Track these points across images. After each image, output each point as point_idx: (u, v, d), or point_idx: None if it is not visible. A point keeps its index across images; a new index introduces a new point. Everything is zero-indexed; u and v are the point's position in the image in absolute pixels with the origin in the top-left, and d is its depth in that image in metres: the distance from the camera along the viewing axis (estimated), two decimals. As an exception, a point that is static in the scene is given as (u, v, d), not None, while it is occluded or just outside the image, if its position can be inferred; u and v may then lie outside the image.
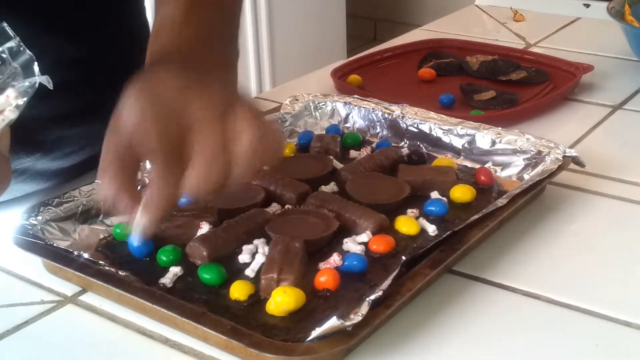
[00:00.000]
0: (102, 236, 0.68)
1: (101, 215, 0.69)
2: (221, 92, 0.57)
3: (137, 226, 0.55)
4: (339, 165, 0.78)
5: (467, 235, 0.63)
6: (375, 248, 0.64)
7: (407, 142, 0.84)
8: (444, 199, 0.71)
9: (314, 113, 0.89)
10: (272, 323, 0.56)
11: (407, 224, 0.67)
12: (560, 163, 0.73)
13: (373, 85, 1.02)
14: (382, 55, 1.12)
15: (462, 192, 0.72)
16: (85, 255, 0.61)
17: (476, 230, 0.64)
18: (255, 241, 0.64)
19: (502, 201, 0.67)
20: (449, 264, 0.63)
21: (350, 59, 1.11)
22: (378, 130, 0.86)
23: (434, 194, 0.72)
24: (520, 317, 0.59)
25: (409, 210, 0.69)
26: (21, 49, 0.49)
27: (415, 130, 0.83)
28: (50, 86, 0.49)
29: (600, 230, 0.71)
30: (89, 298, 0.62)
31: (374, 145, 0.83)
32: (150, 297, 0.57)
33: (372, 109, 0.86)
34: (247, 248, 0.64)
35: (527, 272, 0.64)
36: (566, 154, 0.74)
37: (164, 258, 0.63)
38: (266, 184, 0.72)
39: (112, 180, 0.55)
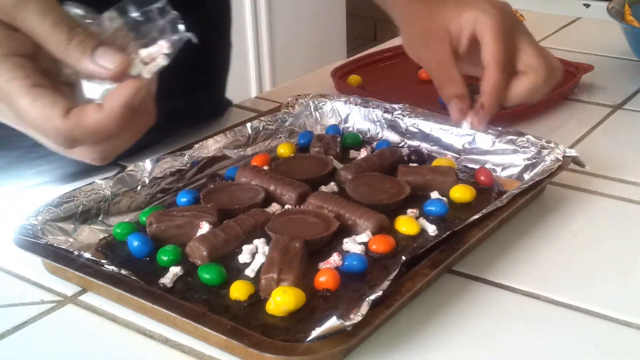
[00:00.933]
0: (101, 236, 0.68)
1: (101, 216, 0.69)
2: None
3: (469, 125, 0.73)
4: (339, 165, 0.78)
5: (467, 235, 0.63)
6: (375, 248, 0.64)
7: (407, 142, 0.84)
8: (444, 199, 0.71)
9: (314, 113, 0.89)
10: (272, 323, 0.56)
11: (407, 224, 0.67)
12: (560, 163, 0.73)
13: (373, 85, 1.02)
14: (383, 55, 1.12)
15: (462, 192, 0.72)
16: (86, 255, 0.61)
17: (476, 230, 0.64)
18: (255, 241, 0.64)
19: (502, 201, 0.67)
20: (449, 264, 0.63)
21: (351, 59, 1.11)
22: (378, 130, 0.86)
23: (434, 194, 0.72)
24: (521, 317, 0.59)
25: (409, 211, 0.69)
26: (167, 9, 0.55)
27: (415, 130, 0.83)
28: (196, 40, 0.54)
29: (600, 230, 0.71)
30: (89, 298, 0.62)
31: (374, 145, 0.83)
32: (150, 297, 0.57)
33: (372, 108, 0.86)
34: (247, 248, 0.64)
35: (527, 272, 0.64)
36: (566, 154, 0.74)
37: (164, 258, 0.63)
38: (266, 184, 0.72)
39: (459, 84, 0.72)
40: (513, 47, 0.70)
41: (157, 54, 0.54)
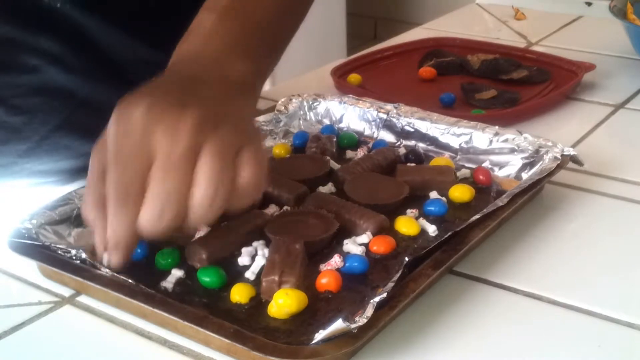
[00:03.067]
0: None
1: None
2: (206, 119, 0.54)
3: (105, 260, 0.56)
4: (336, 165, 0.77)
5: (468, 235, 0.63)
6: (376, 249, 0.64)
7: (403, 142, 0.83)
8: (443, 198, 0.71)
9: (308, 113, 0.88)
10: (274, 326, 0.56)
11: (407, 224, 0.67)
12: (558, 162, 0.73)
13: (373, 84, 1.02)
14: (383, 54, 1.12)
15: (461, 192, 0.71)
16: (81, 259, 0.61)
17: (477, 230, 0.64)
18: (255, 243, 0.64)
19: (502, 201, 0.67)
20: (451, 265, 0.63)
21: (351, 57, 1.10)
22: (373, 130, 0.85)
23: (433, 194, 0.72)
24: (522, 318, 0.59)
25: (409, 211, 0.69)
26: None
27: (411, 129, 0.83)
28: None
29: (601, 230, 0.71)
30: (86, 299, 0.61)
31: (370, 145, 0.82)
32: (151, 301, 0.56)
33: (367, 108, 0.85)
34: (246, 250, 0.63)
35: (528, 272, 0.64)
36: (564, 153, 0.74)
37: (163, 261, 0.62)
38: (264, 185, 0.71)
39: (90, 207, 0.56)
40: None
41: None
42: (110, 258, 0.55)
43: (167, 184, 0.52)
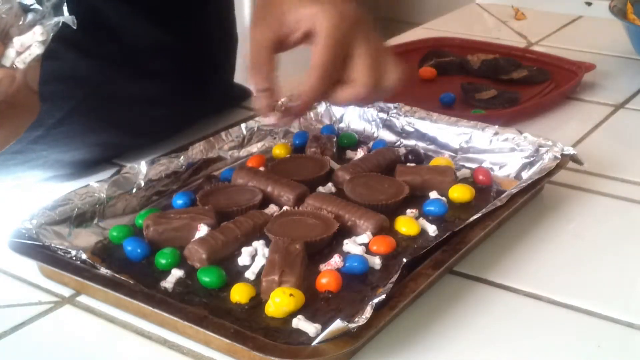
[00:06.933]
0: (97, 239, 0.67)
1: (96, 219, 0.69)
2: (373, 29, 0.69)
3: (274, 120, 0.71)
4: (336, 165, 0.77)
5: (468, 235, 0.63)
6: (376, 249, 0.64)
7: (403, 142, 0.83)
8: (443, 198, 0.71)
9: (308, 113, 0.88)
10: (274, 326, 0.56)
11: (407, 224, 0.67)
12: (558, 161, 0.72)
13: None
14: (382, 54, 1.12)
15: (461, 192, 0.71)
16: (82, 259, 0.61)
17: (477, 230, 0.64)
18: (255, 243, 0.64)
19: (501, 200, 0.66)
20: (451, 265, 0.63)
21: (350, 58, 1.10)
22: (373, 130, 0.85)
23: (433, 194, 0.72)
24: (522, 318, 0.59)
25: (409, 211, 0.69)
26: None
27: (411, 129, 0.83)
28: (74, 26, 0.53)
29: (601, 230, 0.71)
30: (86, 299, 0.61)
31: (370, 145, 0.82)
32: (151, 301, 0.56)
33: (367, 108, 0.85)
34: (246, 250, 0.63)
35: (528, 272, 0.64)
36: (564, 152, 0.74)
37: (163, 261, 0.62)
38: (263, 185, 0.71)
39: (266, 79, 0.68)
40: (345, 55, 0.68)
41: (31, 42, 0.52)
42: (287, 120, 0.72)
43: (372, 74, 0.68)
